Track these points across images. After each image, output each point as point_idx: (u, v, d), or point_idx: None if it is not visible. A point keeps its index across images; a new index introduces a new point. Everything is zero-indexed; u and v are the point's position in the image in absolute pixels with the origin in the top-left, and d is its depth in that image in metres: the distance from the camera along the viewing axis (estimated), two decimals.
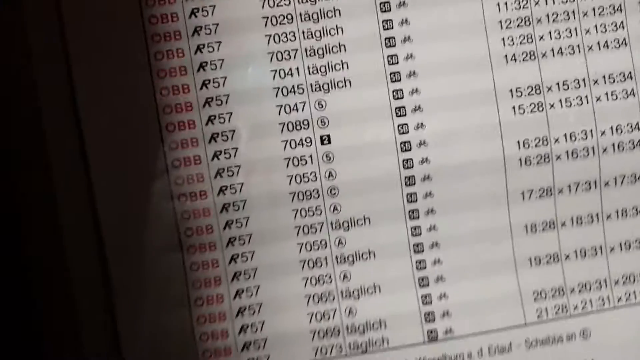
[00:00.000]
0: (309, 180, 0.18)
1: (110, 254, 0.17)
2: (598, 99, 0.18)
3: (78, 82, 0.17)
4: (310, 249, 0.18)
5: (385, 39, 0.18)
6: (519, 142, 0.18)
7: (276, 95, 0.18)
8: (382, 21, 0.18)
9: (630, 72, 0.19)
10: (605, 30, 0.18)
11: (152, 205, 0.18)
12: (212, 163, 0.18)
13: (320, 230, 0.18)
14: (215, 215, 0.18)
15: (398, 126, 0.18)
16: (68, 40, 0.17)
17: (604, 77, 0.18)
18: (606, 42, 0.18)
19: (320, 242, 0.18)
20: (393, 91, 0.18)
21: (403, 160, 0.18)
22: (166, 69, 0.18)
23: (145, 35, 0.18)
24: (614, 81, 0.18)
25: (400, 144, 0.18)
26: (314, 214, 0.18)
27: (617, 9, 0.18)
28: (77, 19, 0.17)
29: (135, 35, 0.17)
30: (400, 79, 0.18)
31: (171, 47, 0.18)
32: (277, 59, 0.18)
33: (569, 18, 0.18)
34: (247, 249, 0.18)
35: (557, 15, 0.18)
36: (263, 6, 0.18)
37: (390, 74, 0.18)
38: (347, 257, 0.18)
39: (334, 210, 0.18)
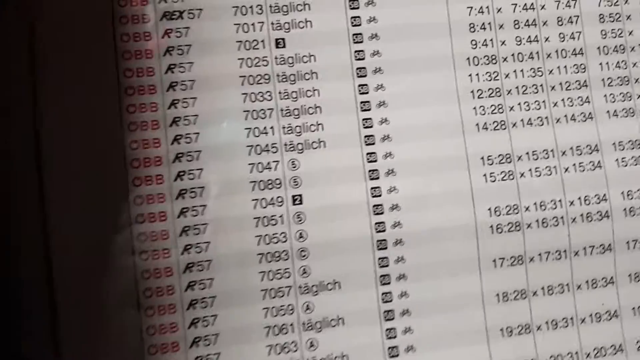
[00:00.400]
0: (278, 241, 0.18)
1: (62, 309, 0.16)
2: (566, 169, 0.19)
3: (45, 126, 0.17)
4: (276, 314, 0.17)
5: (361, 102, 0.18)
6: (490, 209, 0.18)
7: (249, 154, 0.18)
8: (358, 85, 0.18)
9: (596, 145, 0.19)
10: (572, 104, 0.19)
11: (111, 260, 0.17)
12: (178, 220, 0.17)
13: (288, 294, 0.17)
14: (177, 275, 0.17)
15: (371, 189, 0.18)
16: (37, 80, 0.17)
17: (571, 148, 0.19)
18: (573, 115, 0.19)
19: (287, 306, 0.17)
20: (367, 154, 0.18)
21: (375, 224, 0.18)
22: (138, 122, 0.17)
23: (119, 87, 0.17)
24: (581, 153, 0.19)
25: (373, 207, 0.18)
26: (281, 277, 0.17)
27: (583, 84, 0.19)
28: (51, 61, 0.17)
29: (108, 87, 0.17)
30: (374, 142, 0.18)
31: (145, 100, 0.17)
32: (252, 117, 0.18)
33: (537, 91, 0.19)
34: (209, 313, 0.17)
35: (527, 87, 0.19)
36: (241, 65, 0.18)
37: (365, 136, 0.18)
38: (315, 324, 0.18)
39: (303, 274, 0.18)
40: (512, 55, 0.19)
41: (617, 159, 0.19)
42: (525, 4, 0.19)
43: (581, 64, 0.19)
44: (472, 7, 0.19)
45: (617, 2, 0.20)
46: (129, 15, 0.18)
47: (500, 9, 0.19)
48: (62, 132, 0.17)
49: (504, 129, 0.19)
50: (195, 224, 0.17)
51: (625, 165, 0.19)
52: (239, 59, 0.18)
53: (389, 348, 0.18)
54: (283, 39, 0.18)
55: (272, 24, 0.18)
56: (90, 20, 0.17)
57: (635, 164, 0.19)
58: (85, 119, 0.17)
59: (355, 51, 0.18)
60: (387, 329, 0.18)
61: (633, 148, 0.19)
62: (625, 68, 0.19)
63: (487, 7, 0.19)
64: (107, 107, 0.17)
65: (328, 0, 0.18)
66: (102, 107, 0.17)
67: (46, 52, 0.17)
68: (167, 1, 0.18)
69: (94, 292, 0.17)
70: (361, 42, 0.18)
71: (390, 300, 0.18)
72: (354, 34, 0.18)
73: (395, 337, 0.18)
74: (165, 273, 0.17)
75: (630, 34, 0.20)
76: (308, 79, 0.18)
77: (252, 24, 0.18)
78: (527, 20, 0.19)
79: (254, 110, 0.18)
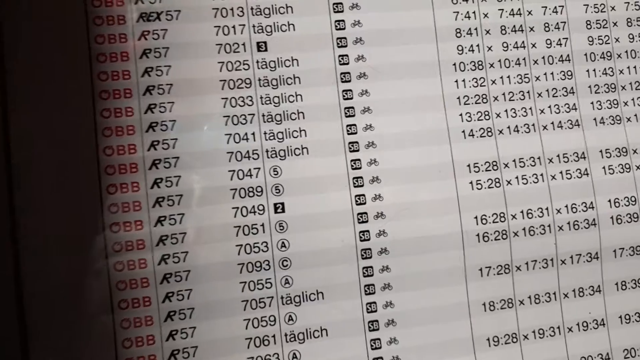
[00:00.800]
0: (259, 251, 0.17)
1: (31, 320, 0.16)
2: (553, 177, 0.19)
3: (14, 131, 0.16)
4: (258, 326, 0.17)
5: (345, 108, 0.18)
6: (476, 218, 0.18)
7: (229, 160, 0.17)
8: (342, 91, 0.18)
9: (583, 152, 0.19)
10: (559, 111, 0.19)
11: (84, 270, 0.16)
12: (154, 229, 0.16)
13: (270, 305, 0.17)
14: (154, 286, 0.16)
15: (355, 197, 0.18)
16: (8, 91, 0.16)
17: (558, 156, 0.19)
18: (560, 122, 0.19)
19: (269, 318, 0.17)
20: (351, 161, 0.18)
21: (360, 232, 0.17)
22: (112, 127, 0.17)
23: (93, 91, 0.17)
24: (568, 160, 0.19)
25: (357, 215, 0.17)
26: (263, 287, 0.17)
27: (570, 91, 0.19)
28: (22, 69, 0.16)
29: (82, 90, 0.16)
30: (359, 149, 0.18)
31: (120, 104, 0.17)
32: (233, 122, 0.17)
33: (524, 98, 0.19)
34: (187, 325, 0.16)
35: (513, 94, 0.19)
36: (221, 69, 0.17)
37: (349, 143, 0.18)
38: (298, 335, 0.17)
39: (285, 284, 0.17)
40: (499, 61, 0.19)
41: (604, 167, 0.19)
42: (512, 10, 0.19)
43: (568, 71, 0.19)
44: (458, 12, 0.19)
45: (603, 8, 0.19)
46: (104, 16, 0.17)
47: (487, 14, 0.19)
48: (33, 137, 0.16)
49: (491, 136, 0.18)
50: (173, 233, 0.17)
51: (612, 173, 0.19)
52: (219, 62, 0.17)
53: (374, 359, 0.17)
54: (265, 42, 0.18)
55: (254, 26, 0.18)
56: (62, 20, 0.17)
57: (622, 172, 0.19)
58: (57, 123, 0.16)
59: (339, 56, 0.18)
60: (371, 340, 0.17)
61: (620, 155, 0.19)
62: (612, 75, 0.19)
63: (474, 12, 0.19)
64: (81, 111, 0.16)
65: (311, 3, 0.18)
66: (75, 111, 0.16)
67: (16, 54, 0.16)
68: (144, 2, 0.17)
69: (67, 302, 0.16)
70: (345, 46, 0.18)
71: (375, 311, 0.17)
72: (338, 38, 0.18)
73: (380, 347, 0.17)
74: (142, 284, 0.16)
75: (616, 40, 0.19)
76: (290, 84, 0.18)
77: (233, 27, 0.17)
78: (514, 26, 0.19)
79: (234, 116, 0.17)
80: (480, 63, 0.19)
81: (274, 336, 0.17)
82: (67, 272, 0.16)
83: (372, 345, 0.17)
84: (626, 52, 0.19)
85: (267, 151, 0.17)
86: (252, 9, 0.18)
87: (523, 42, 0.19)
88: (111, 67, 0.17)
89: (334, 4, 0.18)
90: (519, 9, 0.19)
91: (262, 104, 0.17)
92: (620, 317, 0.19)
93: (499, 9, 0.19)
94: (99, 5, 0.17)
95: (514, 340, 0.18)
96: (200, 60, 0.17)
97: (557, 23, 0.19)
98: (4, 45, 0.16)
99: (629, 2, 0.20)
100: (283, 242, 0.17)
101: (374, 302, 0.18)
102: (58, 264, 0.16)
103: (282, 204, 0.17)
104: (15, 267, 0.16)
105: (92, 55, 0.16)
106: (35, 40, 0.16)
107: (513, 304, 0.18)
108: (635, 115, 0.19)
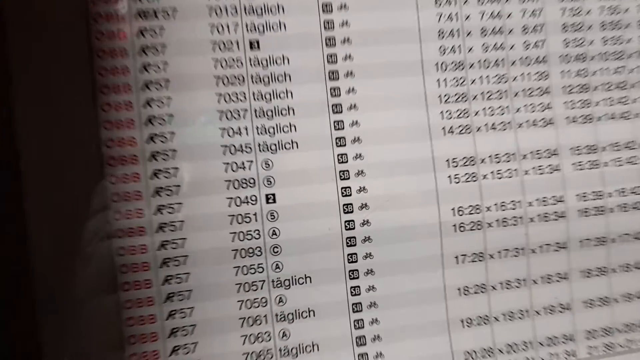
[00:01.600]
0: (252, 238, 0.18)
1: (40, 305, 0.17)
2: (526, 172, 0.20)
3: (19, 125, 0.17)
4: (251, 307, 0.18)
5: (333, 105, 0.19)
6: (453, 209, 0.19)
7: (224, 153, 0.18)
8: (330, 88, 0.19)
9: (555, 149, 0.20)
10: (534, 110, 0.20)
11: (87, 255, 0.17)
12: (154, 217, 0.18)
13: (262, 288, 0.18)
14: (154, 270, 0.18)
15: (341, 189, 0.19)
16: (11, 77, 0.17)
17: (532, 152, 0.20)
18: (534, 120, 0.20)
19: (261, 299, 0.18)
20: (338, 155, 0.19)
21: (345, 222, 0.19)
22: (113, 120, 0.18)
23: (94, 86, 0.18)
24: (540, 157, 0.20)
25: (343, 205, 0.19)
26: (255, 272, 0.18)
27: (545, 91, 0.20)
28: (24, 63, 0.17)
29: (83, 85, 0.17)
30: (345, 144, 0.19)
31: (120, 99, 0.18)
32: (227, 117, 0.18)
33: (501, 97, 0.20)
34: (186, 305, 0.18)
35: (491, 93, 0.20)
36: (215, 66, 0.18)
37: (336, 138, 0.19)
38: (287, 316, 0.18)
39: (275, 269, 0.18)
40: (479, 62, 0.20)
41: (573, 163, 0.20)
42: (493, 12, 0.20)
43: (544, 72, 0.20)
44: (441, 14, 0.19)
45: (579, 12, 0.20)
46: (104, 13, 0.18)
47: (468, 16, 0.20)
48: (37, 131, 0.17)
49: (469, 132, 0.20)
50: (172, 221, 0.18)
51: (582, 169, 0.20)
52: (213, 59, 0.18)
53: (357, 338, 0.19)
54: (257, 41, 0.19)
55: (247, 25, 0.18)
56: (63, 17, 0.17)
57: (590, 168, 0.20)
58: (60, 116, 0.17)
59: (328, 55, 0.19)
60: (355, 320, 0.19)
61: (589, 153, 0.20)
62: (586, 76, 0.20)
63: (456, 14, 0.20)
64: (82, 105, 0.17)
65: (302, 3, 0.19)
66: (77, 105, 0.17)
67: (20, 49, 0.17)
68: (142, 0, 0.18)
69: (72, 282, 0.17)
70: (334, 45, 0.19)
71: (359, 294, 0.19)
72: (326, 38, 0.19)
73: (362, 327, 0.19)
74: (143, 267, 0.18)
75: (591, 43, 0.21)
76: (281, 81, 0.19)
77: (227, 25, 0.18)
78: (494, 28, 0.20)
79: (228, 111, 0.18)
80: (461, 63, 0.20)
81: (265, 316, 0.18)
82: (73, 256, 0.17)
83: (355, 325, 0.19)
84: (599, 54, 0.21)
85: (259, 145, 0.18)
86: (245, 8, 0.19)
87: (502, 43, 0.20)
88: (111, 63, 0.18)
89: (323, 4, 0.19)
90: (499, 12, 0.20)
91: (255, 100, 0.18)
92: (584, 302, 0.20)
93: (480, 12, 0.20)
94: (99, 3, 0.18)
95: (486, 322, 0.20)
96: (195, 58, 0.18)
97: (535, 26, 0.20)
98: (7, 43, 0.17)
99: (603, 7, 0.21)
100: (274, 230, 0.18)
101: (358, 286, 0.19)
102: (65, 249, 0.17)
103: (274, 194, 0.18)
104: (24, 251, 0.17)
105: (93, 51, 0.17)
106: (38, 36, 0.17)
107: (486, 289, 0.20)
108: (606, 114, 0.21)
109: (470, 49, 0.20)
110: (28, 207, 0.17)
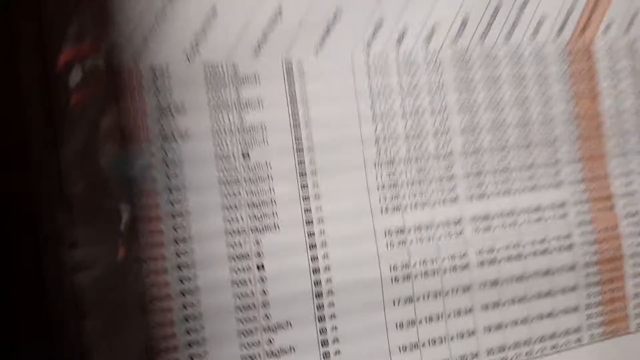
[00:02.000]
0: (248, 296, 0.25)
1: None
2: (439, 238, 0.28)
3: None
4: (249, 348, 0.25)
5: (303, 197, 0.26)
6: (390, 267, 0.27)
7: (225, 235, 0.25)
8: (301, 185, 0.26)
9: (460, 219, 0.28)
10: (443, 192, 0.28)
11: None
12: (175, 274, 0.24)
13: (256, 333, 0.25)
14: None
15: (310, 257, 0.26)
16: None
17: (442, 223, 0.28)
18: (444, 199, 0.28)
19: (257, 342, 0.25)
20: (308, 232, 0.26)
21: (314, 281, 0.26)
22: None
23: None
24: (449, 225, 0.28)
25: (312, 269, 0.26)
26: (251, 321, 0.25)
27: (451, 178, 0.28)
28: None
29: None
30: (313, 223, 0.26)
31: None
32: (228, 210, 0.25)
33: (420, 184, 0.28)
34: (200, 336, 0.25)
35: (414, 182, 0.28)
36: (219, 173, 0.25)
37: (306, 221, 0.26)
38: (276, 352, 0.25)
39: (265, 318, 0.25)
40: (404, 159, 0.28)
41: (473, 229, 0.29)
42: (413, 124, 0.28)
43: (449, 165, 0.29)
44: (377, 125, 0.27)
45: (475, 115, 0.29)
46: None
47: (395, 129, 0.28)
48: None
49: (399, 211, 0.28)
50: (189, 287, 0.24)
51: (478, 233, 0.29)
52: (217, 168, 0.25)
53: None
54: (248, 153, 0.26)
55: (240, 142, 0.26)
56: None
57: (485, 231, 0.29)
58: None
59: (299, 161, 0.26)
60: (323, 353, 0.26)
61: (485, 220, 0.29)
62: (481, 165, 0.29)
63: (392, 126, 0.28)
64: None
65: (278, 126, 0.26)
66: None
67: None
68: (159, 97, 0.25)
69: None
70: (302, 151, 0.26)
71: (326, 332, 0.26)
72: (297, 149, 0.26)
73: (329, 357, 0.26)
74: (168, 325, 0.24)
75: (482, 142, 0.29)
76: (266, 181, 0.26)
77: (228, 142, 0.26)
78: (414, 134, 0.28)
79: (230, 205, 0.25)
80: (392, 161, 0.28)
81: (259, 354, 0.25)
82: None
83: (324, 357, 0.26)
84: (490, 149, 0.29)
85: (251, 229, 0.25)
86: (238, 128, 0.26)
87: (421, 144, 0.28)
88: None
89: (294, 126, 0.26)
90: (417, 122, 0.28)
91: (247, 195, 0.26)
92: (490, 328, 0.28)
93: (404, 124, 0.28)
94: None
95: (416, 347, 0.27)
96: (204, 168, 0.25)
97: (443, 129, 0.29)
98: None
99: (495, 119, 0.29)
100: (264, 290, 0.25)
101: (325, 328, 0.26)
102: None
103: (263, 264, 0.25)
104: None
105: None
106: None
107: (415, 323, 0.27)
108: (496, 192, 0.29)
109: (398, 151, 0.28)
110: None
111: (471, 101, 0.29)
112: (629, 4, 0.33)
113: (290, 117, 0.27)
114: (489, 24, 0.30)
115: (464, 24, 0.29)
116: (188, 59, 0.25)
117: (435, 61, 0.29)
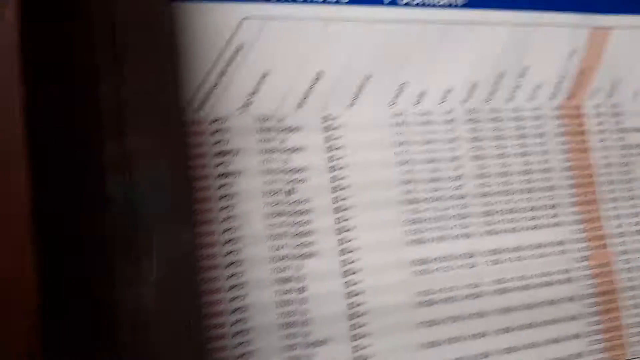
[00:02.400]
0: (289, 317, 0.29)
1: None
2: (457, 268, 0.32)
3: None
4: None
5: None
6: (415, 293, 0.31)
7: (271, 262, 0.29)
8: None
9: (472, 254, 0.32)
10: (458, 227, 0.32)
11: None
12: (228, 293, 0.28)
13: (296, 349, 0.29)
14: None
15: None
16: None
17: (462, 255, 0.32)
18: (459, 235, 0.32)
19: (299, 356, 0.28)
20: (343, 261, 0.30)
21: (348, 304, 0.30)
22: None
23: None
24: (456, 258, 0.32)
25: (347, 294, 0.30)
26: (293, 337, 0.29)
27: (464, 216, 0.33)
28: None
29: None
30: (347, 252, 0.30)
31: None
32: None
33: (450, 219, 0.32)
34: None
35: (439, 218, 0.32)
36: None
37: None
38: None
39: (306, 336, 0.29)
40: (426, 199, 0.32)
41: (485, 261, 0.33)
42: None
43: (464, 205, 0.33)
44: (402, 169, 0.32)
45: (484, 164, 0.34)
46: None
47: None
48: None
49: (423, 244, 0.32)
50: (240, 305, 0.28)
51: (488, 265, 0.33)
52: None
53: None
54: (291, 190, 0.30)
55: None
56: None
57: (495, 264, 0.33)
58: None
59: (335, 198, 0.31)
60: None
61: (495, 254, 0.33)
62: (493, 206, 0.33)
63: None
64: None
65: (317, 168, 0.31)
66: None
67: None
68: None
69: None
70: (338, 190, 0.31)
71: (358, 350, 0.29)
72: (333, 188, 0.31)
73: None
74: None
75: (491, 186, 0.34)
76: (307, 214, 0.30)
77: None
78: (434, 178, 0.33)
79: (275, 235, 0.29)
80: (416, 200, 0.32)
81: None
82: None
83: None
84: (498, 192, 0.34)
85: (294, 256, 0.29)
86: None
87: (440, 187, 0.33)
88: None
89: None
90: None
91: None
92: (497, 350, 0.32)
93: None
94: None
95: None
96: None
97: (455, 176, 0.33)
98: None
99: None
100: (304, 310, 0.29)
101: (357, 345, 0.29)
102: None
103: (304, 286, 0.29)
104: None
105: None
106: None
107: (435, 345, 0.31)
108: (505, 230, 0.33)
109: (420, 192, 0.32)
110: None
111: (481, 152, 0.34)
112: (612, 73, 0.38)
113: (327, 161, 0.31)
114: (495, 88, 0.35)
115: (473, 88, 0.34)
116: (242, 112, 0.30)
117: (450, 119, 0.34)
